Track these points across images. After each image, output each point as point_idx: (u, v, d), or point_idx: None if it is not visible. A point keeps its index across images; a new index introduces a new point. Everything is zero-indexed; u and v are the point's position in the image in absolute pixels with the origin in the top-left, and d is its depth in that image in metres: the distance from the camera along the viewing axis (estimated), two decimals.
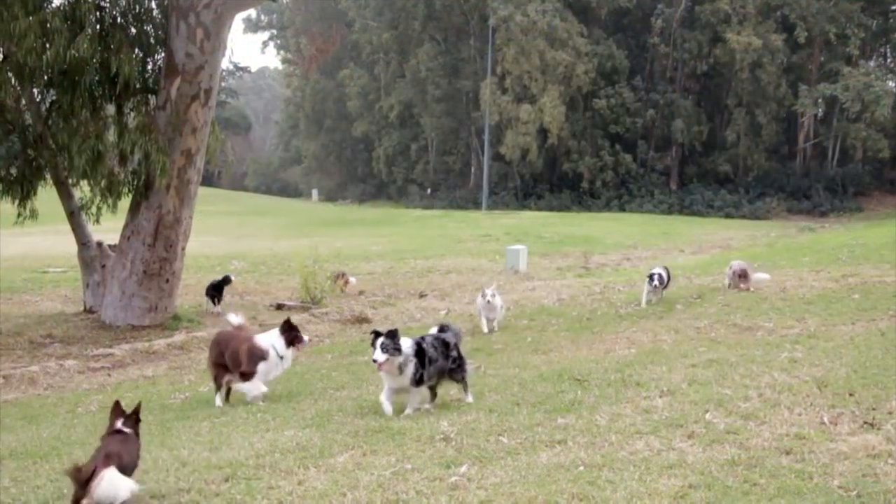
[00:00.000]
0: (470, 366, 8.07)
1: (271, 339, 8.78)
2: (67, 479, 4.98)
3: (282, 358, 8.77)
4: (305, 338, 9.04)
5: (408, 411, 7.39)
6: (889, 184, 60.40)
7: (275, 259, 26.72)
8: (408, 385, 7.40)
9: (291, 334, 8.79)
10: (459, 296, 19.57)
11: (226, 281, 18.24)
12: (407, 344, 7.32)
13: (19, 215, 17.17)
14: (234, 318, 9.27)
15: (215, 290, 18.17)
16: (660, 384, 7.70)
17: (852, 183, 58.34)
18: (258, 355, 8.69)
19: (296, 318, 16.27)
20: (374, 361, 7.25)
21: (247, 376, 8.73)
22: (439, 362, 7.54)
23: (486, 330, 13.51)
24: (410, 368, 7.30)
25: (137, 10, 17.02)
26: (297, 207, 61.62)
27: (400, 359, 7.21)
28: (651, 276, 15.00)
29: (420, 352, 7.36)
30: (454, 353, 7.72)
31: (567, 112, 59.84)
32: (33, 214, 17.21)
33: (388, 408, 7.46)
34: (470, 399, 7.82)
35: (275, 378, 9.08)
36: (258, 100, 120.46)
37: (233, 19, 17.39)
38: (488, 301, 13.40)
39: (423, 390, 7.61)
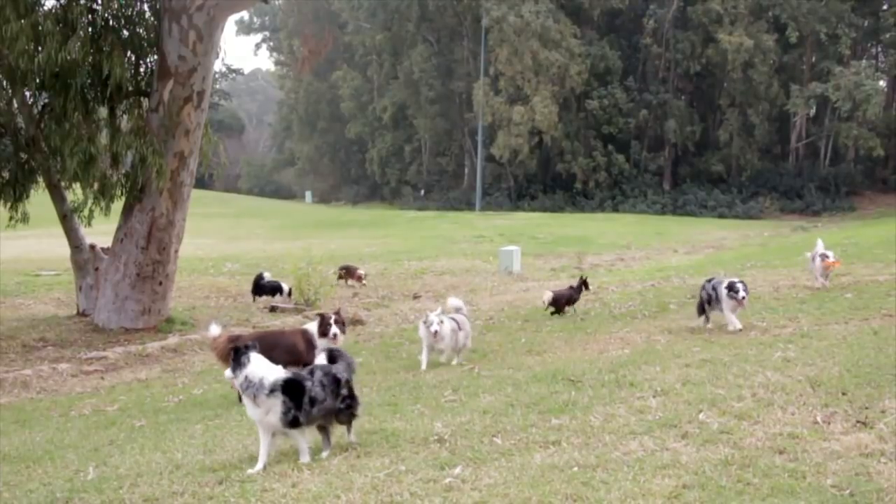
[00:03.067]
0: (360, 408, 6.65)
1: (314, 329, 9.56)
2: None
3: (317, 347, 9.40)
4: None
5: (302, 459, 6.22)
6: (881, 183, 60.58)
7: (268, 261, 26.65)
8: (278, 425, 6.18)
9: (325, 327, 9.45)
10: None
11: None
12: (271, 377, 6.16)
13: (11, 218, 17.10)
14: (214, 328, 9.54)
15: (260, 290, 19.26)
16: (653, 384, 7.70)
17: (845, 182, 58.50)
18: (311, 342, 9.39)
19: (290, 321, 16.38)
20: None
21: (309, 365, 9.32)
22: (327, 402, 6.28)
23: (424, 365, 10.54)
24: (278, 406, 6.08)
25: (129, 13, 16.95)
26: (290, 209, 61.58)
27: (237, 381, 6.19)
28: (732, 286, 11.00)
29: (294, 388, 6.17)
30: (345, 391, 6.44)
31: (560, 113, 59.89)
32: (24, 218, 17.13)
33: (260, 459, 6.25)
34: (353, 438, 6.58)
35: None
36: (251, 102, 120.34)
37: (225, 21, 17.35)
38: (435, 331, 10.33)
39: (301, 433, 6.29)
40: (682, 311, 13.94)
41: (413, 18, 68.20)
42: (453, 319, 10.68)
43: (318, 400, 6.22)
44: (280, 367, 6.38)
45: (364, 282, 21.65)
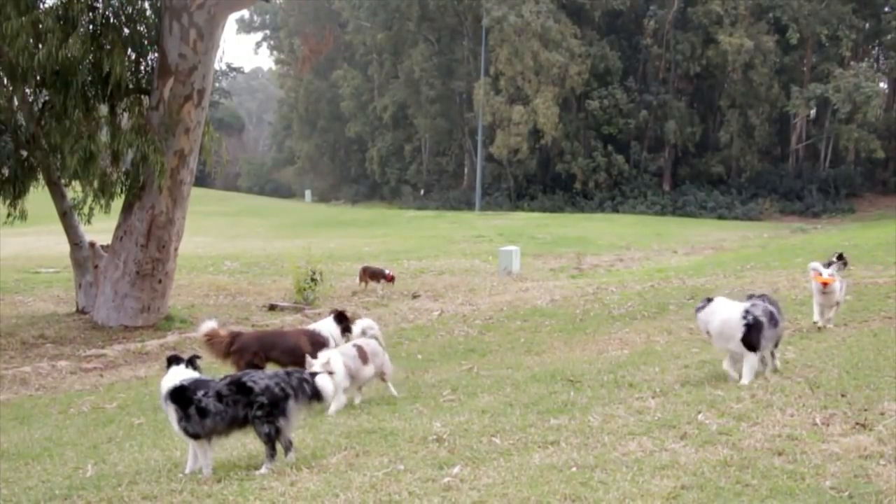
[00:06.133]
0: (289, 425, 6.07)
1: (329, 328, 9.38)
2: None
3: (337, 345, 9.17)
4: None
5: (205, 473, 6.01)
6: (881, 185, 60.59)
7: (268, 259, 26.69)
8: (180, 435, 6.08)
9: (345, 324, 9.40)
10: (452, 296, 19.57)
11: None
12: (166, 386, 6.10)
13: (9, 215, 17.11)
14: (208, 323, 9.51)
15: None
16: (652, 385, 7.71)
17: (844, 184, 58.47)
18: (321, 343, 9.12)
19: (289, 320, 16.39)
20: None
21: None
22: (228, 412, 5.95)
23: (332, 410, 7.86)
24: (171, 414, 6.04)
25: (130, 11, 16.96)
26: (290, 208, 61.56)
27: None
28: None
29: (182, 397, 6.00)
30: (261, 400, 5.94)
31: (560, 113, 59.87)
32: (23, 215, 17.14)
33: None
34: (264, 471, 5.89)
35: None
36: (251, 100, 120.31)
37: (226, 20, 17.37)
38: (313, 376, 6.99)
39: (204, 442, 6.05)
40: (681, 312, 13.94)
41: (414, 18, 68.12)
42: (355, 346, 8.40)
43: (209, 411, 5.93)
44: (191, 373, 6.22)
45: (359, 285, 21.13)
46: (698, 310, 7.73)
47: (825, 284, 10.17)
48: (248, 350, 9.24)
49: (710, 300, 7.76)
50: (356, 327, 9.17)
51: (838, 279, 10.35)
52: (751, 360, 7.45)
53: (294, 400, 6.09)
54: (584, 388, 7.91)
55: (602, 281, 20.40)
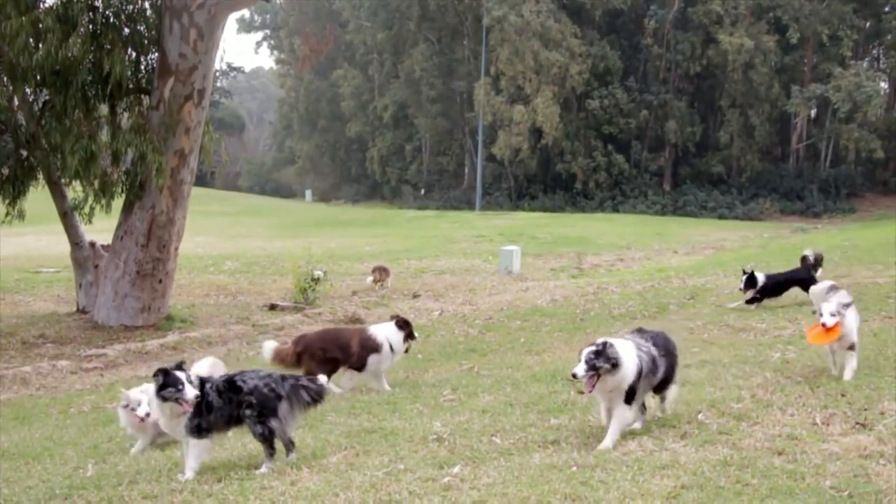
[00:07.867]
0: (281, 428, 6.11)
1: (386, 333, 9.22)
2: None
3: (394, 351, 9.18)
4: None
5: (187, 475, 5.97)
6: (882, 185, 60.54)
7: (268, 259, 26.69)
8: (182, 433, 6.07)
9: (408, 330, 9.31)
10: (453, 296, 19.57)
11: None
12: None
13: (7, 215, 17.11)
14: (268, 345, 9.45)
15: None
16: None
17: (845, 184, 58.45)
18: (371, 347, 9.09)
19: (289, 319, 16.39)
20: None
21: (361, 368, 9.18)
22: (225, 409, 6.07)
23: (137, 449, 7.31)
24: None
25: (130, 10, 16.95)
26: (290, 208, 61.55)
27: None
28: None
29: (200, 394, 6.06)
30: (250, 400, 6.03)
31: (561, 113, 59.86)
32: (21, 215, 17.12)
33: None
34: (264, 470, 5.95)
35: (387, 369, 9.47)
36: (252, 100, 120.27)
37: (226, 19, 17.36)
38: (146, 415, 7.03)
39: (205, 443, 6.09)
40: (681, 311, 13.96)
41: (414, 17, 68.10)
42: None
43: (214, 408, 6.03)
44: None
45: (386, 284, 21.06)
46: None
47: (832, 332, 7.20)
48: (314, 347, 9.18)
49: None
50: (202, 364, 8.32)
51: (852, 313, 7.45)
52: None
53: (287, 402, 6.12)
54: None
55: (602, 281, 20.41)
